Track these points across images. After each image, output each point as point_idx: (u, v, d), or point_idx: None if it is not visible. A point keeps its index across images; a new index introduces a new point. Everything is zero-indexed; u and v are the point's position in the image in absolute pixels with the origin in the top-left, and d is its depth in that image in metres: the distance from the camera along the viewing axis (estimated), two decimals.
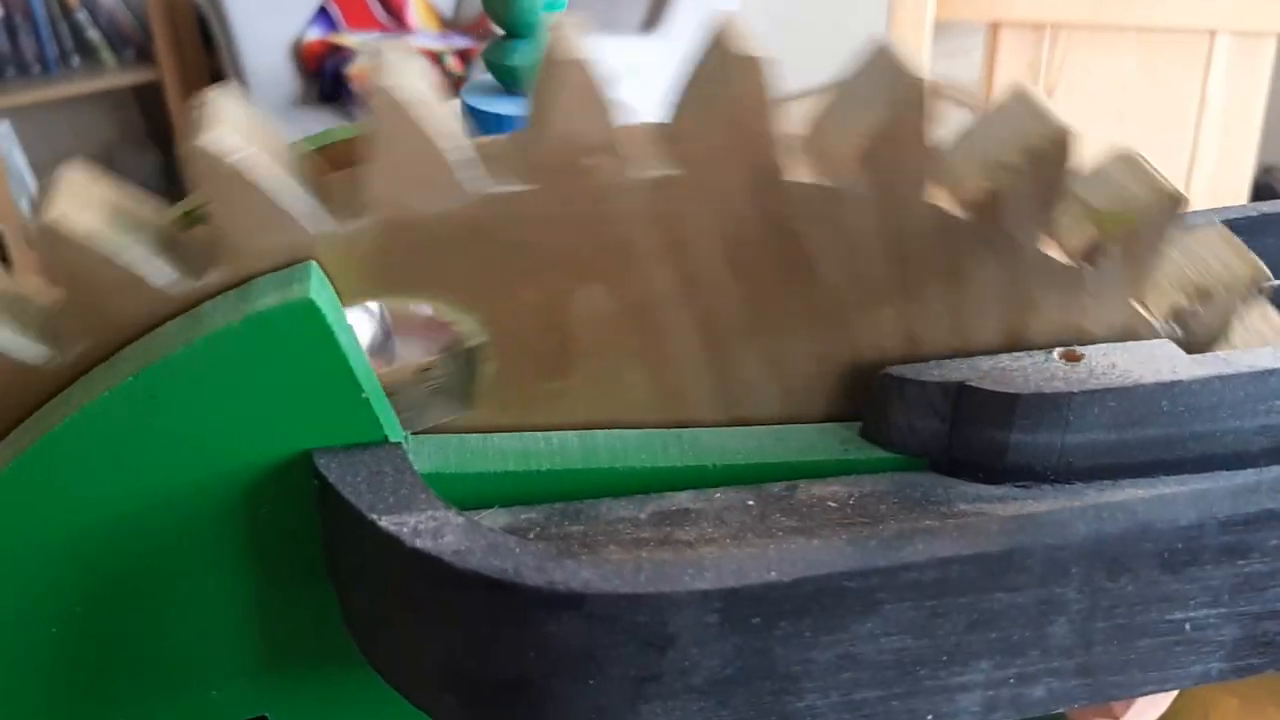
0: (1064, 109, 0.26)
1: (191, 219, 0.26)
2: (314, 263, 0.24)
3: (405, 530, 0.22)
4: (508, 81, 0.43)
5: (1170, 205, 0.27)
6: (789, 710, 0.23)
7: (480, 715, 0.24)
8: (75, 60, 2.05)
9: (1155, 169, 0.28)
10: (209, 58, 2.03)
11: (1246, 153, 1.17)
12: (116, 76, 2.05)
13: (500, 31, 0.42)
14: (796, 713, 0.24)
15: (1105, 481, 0.27)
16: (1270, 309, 0.30)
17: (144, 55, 2.06)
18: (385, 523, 0.23)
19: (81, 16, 2.03)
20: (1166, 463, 0.27)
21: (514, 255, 0.25)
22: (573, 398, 0.27)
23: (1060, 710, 0.25)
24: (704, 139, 0.25)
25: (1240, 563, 0.24)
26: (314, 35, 1.89)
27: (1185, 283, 0.29)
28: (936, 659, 0.24)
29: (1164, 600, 0.24)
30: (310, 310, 0.23)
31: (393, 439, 0.25)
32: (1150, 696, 0.28)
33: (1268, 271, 0.28)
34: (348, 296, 0.25)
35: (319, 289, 0.23)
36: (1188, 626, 0.25)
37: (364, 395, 0.24)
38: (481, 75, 0.44)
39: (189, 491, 0.25)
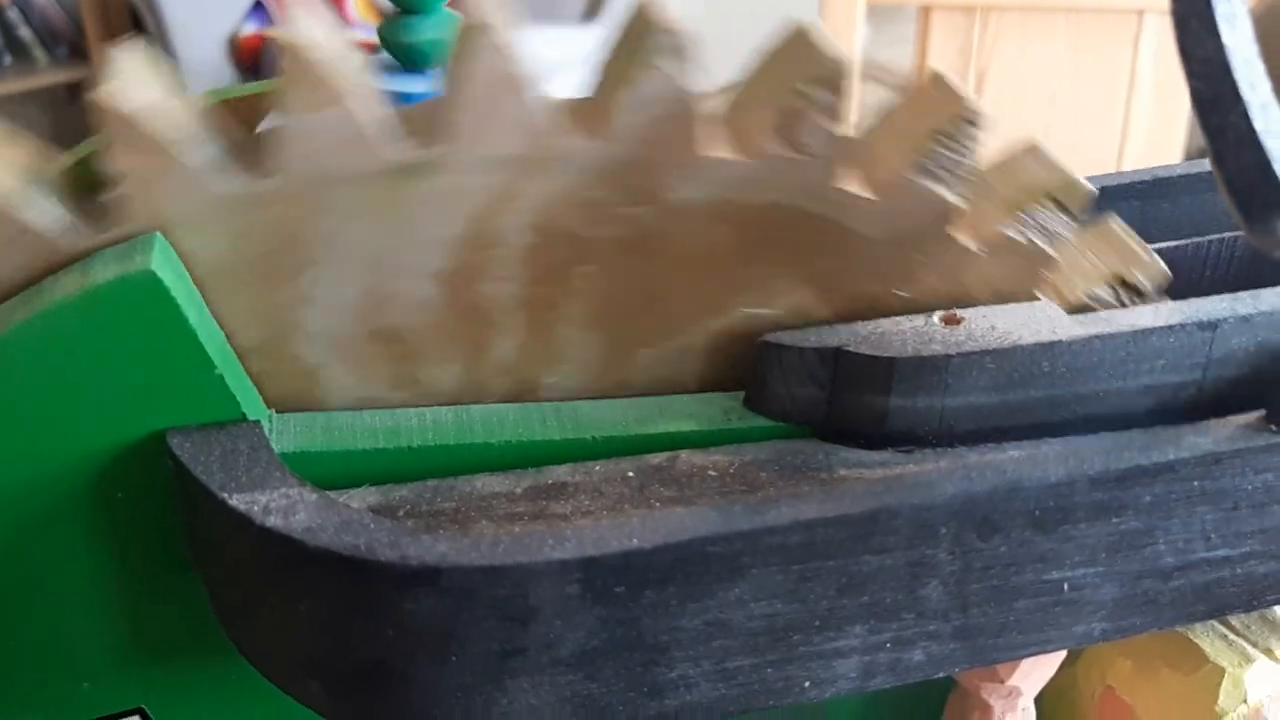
0: (995, 92, 0.26)
1: (86, 168, 0.25)
2: (159, 234, 0.23)
3: (256, 509, 0.22)
4: (405, 59, 0.42)
5: (1076, 194, 0.27)
6: (661, 681, 0.23)
7: (345, 700, 0.23)
8: (6, 59, 2.00)
9: (1058, 157, 0.28)
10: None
11: (1177, 132, 1.18)
12: (50, 74, 2.01)
13: (395, 8, 0.41)
14: (669, 683, 0.23)
15: (989, 445, 0.27)
16: (1116, 231, 0.29)
17: (77, 53, 2.02)
18: (236, 501, 0.22)
19: (13, 15, 1.98)
20: (1050, 425, 0.27)
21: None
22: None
23: (941, 674, 0.25)
24: (623, 113, 0.24)
25: (1115, 520, 0.24)
26: (250, 30, 1.86)
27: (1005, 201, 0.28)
28: (809, 624, 0.23)
29: (1039, 560, 0.24)
30: (152, 283, 0.22)
31: (252, 417, 0.24)
32: (1035, 658, 0.28)
33: (1090, 186, 0.28)
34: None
35: (163, 261, 0.22)
36: (1065, 587, 0.25)
37: (217, 372, 0.23)
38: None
39: (40, 476, 0.24)
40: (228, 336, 0.24)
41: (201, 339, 0.23)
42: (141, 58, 0.23)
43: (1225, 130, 0.18)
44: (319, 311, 0.25)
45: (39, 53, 1.99)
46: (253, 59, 1.83)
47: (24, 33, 1.98)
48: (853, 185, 0.26)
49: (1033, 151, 0.28)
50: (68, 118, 2.16)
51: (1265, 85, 0.18)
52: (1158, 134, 1.18)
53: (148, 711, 0.27)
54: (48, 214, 0.23)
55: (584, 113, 0.24)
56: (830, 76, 0.24)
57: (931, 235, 0.27)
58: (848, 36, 1.07)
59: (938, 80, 0.26)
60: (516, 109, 0.23)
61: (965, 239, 0.27)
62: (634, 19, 0.24)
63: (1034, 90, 1.11)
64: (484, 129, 0.24)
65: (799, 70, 0.24)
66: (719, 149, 0.25)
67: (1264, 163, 0.18)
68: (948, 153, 0.26)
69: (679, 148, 0.25)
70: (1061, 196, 0.27)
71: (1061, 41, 1.14)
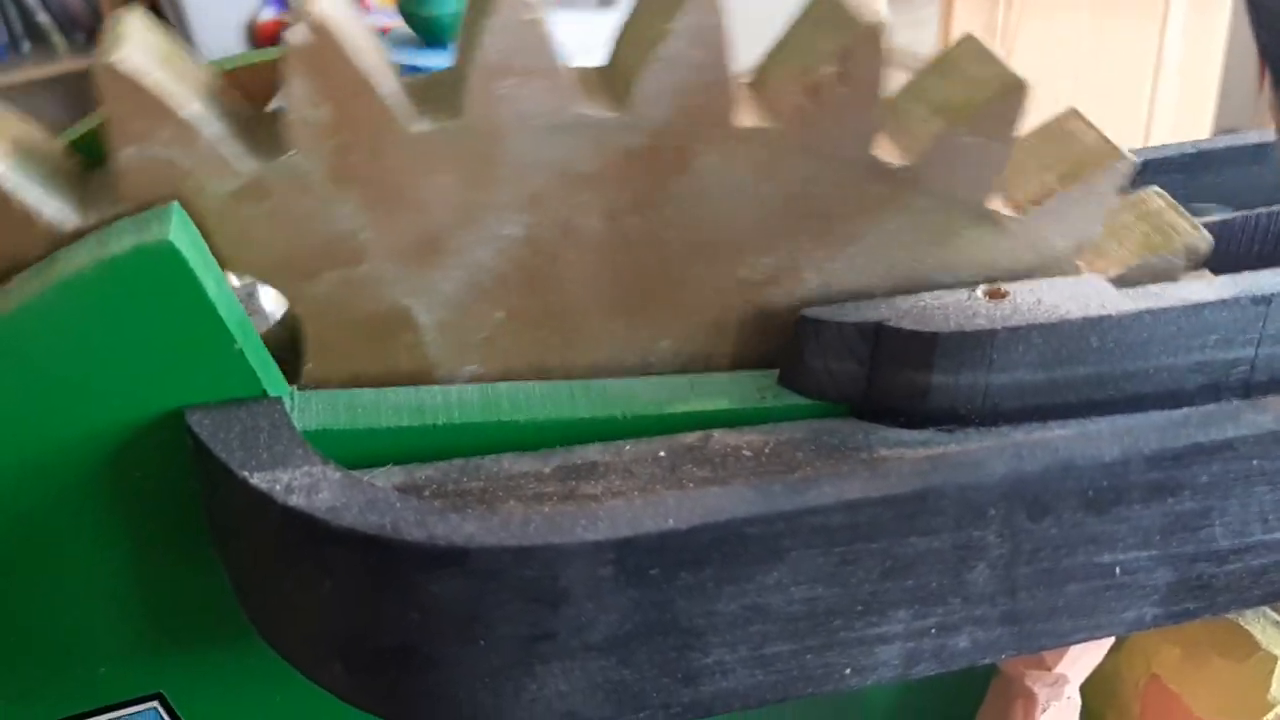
0: (1020, 71, 0.25)
1: (87, 143, 0.24)
2: (177, 203, 0.22)
3: (278, 487, 0.21)
4: (425, 33, 0.41)
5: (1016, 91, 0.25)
6: (696, 667, 0.22)
7: (368, 683, 0.22)
8: (25, 46, 2.00)
9: (997, 55, 0.26)
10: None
11: (1204, 112, 1.16)
12: (68, 61, 2.00)
13: None
14: (704, 669, 0.22)
15: (1034, 424, 0.26)
16: (1156, 200, 0.28)
17: (95, 39, 2.02)
18: (257, 480, 0.21)
19: (31, 1, 1.98)
20: (1098, 403, 0.26)
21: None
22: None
23: (987, 661, 0.24)
24: (648, 78, 0.23)
25: (1170, 501, 0.23)
26: (268, 15, 1.85)
27: (1048, 165, 0.27)
28: (851, 609, 0.22)
29: (1091, 542, 0.23)
30: (170, 254, 0.21)
31: (273, 393, 0.23)
32: (1083, 645, 0.27)
33: (1128, 154, 0.27)
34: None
35: (180, 231, 0.22)
36: (1118, 570, 0.24)
37: (237, 347, 0.23)
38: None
39: (55, 456, 0.23)
40: None
41: (221, 312, 0.22)
42: (147, 22, 0.22)
43: None
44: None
45: (58, 39, 1.99)
46: (271, 44, 1.82)
47: (42, 19, 1.98)
48: (889, 152, 0.25)
49: (1075, 119, 0.27)
50: (87, 104, 2.16)
51: None
52: (1185, 113, 1.16)
53: (166, 696, 0.27)
54: (48, 195, 0.22)
55: (608, 80, 0.23)
56: (863, 38, 0.23)
57: (970, 203, 0.26)
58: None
59: (971, 43, 0.25)
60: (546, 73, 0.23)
61: (1005, 209, 0.26)
62: None
63: (1059, 70, 1.09)
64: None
65: (831, 34, 0.23)
66: (751, 117, 0.24)
67: None
68: (986, 119, 0.25)
69: (710, 116, 0.24)
70: (1102, 166, 0.26)
71: (1087, 20, 1.12)
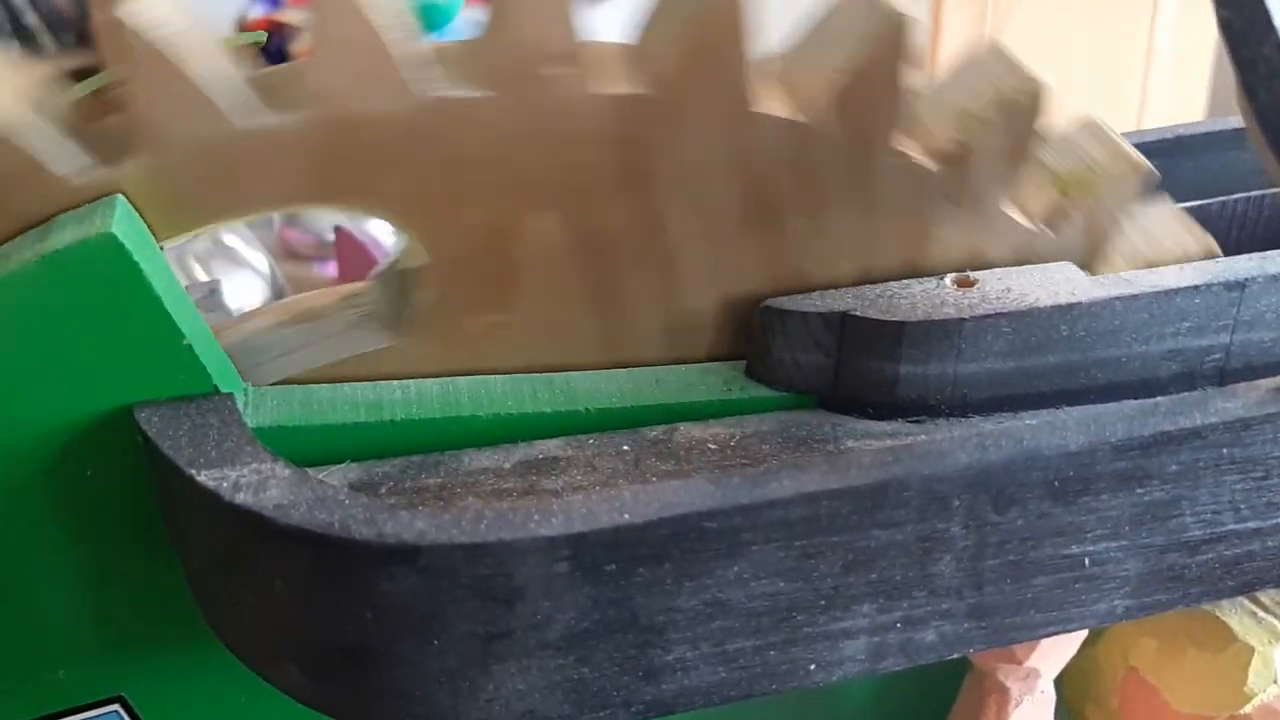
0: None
1: (100, 99, 0.24)
2: (120, 196, 0.22)
3: (225, 485, 0.20)
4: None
5: (1135, 175, 0.26)
6: (657, 664, 0.22)
7: (323, 684, 0.22)
8: (13, 47, 2.00)
9: (1119, 136, 0.27)
10: None
11: (1196, 102, 1.16)
12: (56, 62, 2.00)
13: None
14: (665, 666, 0.22)
15: (1005, 414, 0.25)
16: (1169, 213, 0.28)
17: (84, 39, 2.01)
18: (204, 478, 0.21)
19: (19, 2, 1.98)
20: (1071, 392, 0.26)
21: (462, 170, 0.23)
22: (511, 335, 0.26)
23: (956, 655, 0.24)
24: (673, 59, 0.23)
25: (1139, 491, 0.23)
26: (257, 13, 1.84)
27: (1060, 179, 0.27)
28: (814, 604, 0.22)
29: (1058, 534, 0.23)
30: (113, 247, 0.21)
31: (224, 389, 0.23)
32: (1055, 638, 0.27)
33: (1151, 167, 0.27)
34: (278, 201, 0.23)
35: (125, 223, 0.21)
36: (1086, 562, 0.23)
37: (185, 342, 0.22)
38: None
39: (5, 454, 0.22)
40: None
41: (168, 306, 0.22)
42: None
43: (1256, 62, 0.17)
44: None
45: (46, 40, 1.99)
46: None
47: (30, 19, 1.98)
48: (909, 146, 0.25)
49: (1093, 128, 0.27)
50: None
51: None
52: (1177, 105, 1.15)
53: (128, 699, 0.26)
54: (59, 145, 0.22)
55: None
56: (890, 34, 0.23)
57: (985, 198, 0.25)
58: None
59: (995, 49, 0.25)
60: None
61: (1012, 210, 0.26)
62: None
63: (1049, 63, 1.09)
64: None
65: (858, 29, 0.23)
66: (773, 105, 0.24)
67: None
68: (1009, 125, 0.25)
69: (725, 99, 0.23)
70: (1115, 168, 0.27)
71: (1077, 11, 1.12)
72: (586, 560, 0.20)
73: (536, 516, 0.20)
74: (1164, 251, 0.28)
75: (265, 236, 0.63)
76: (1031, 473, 0.22)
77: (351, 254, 0.51)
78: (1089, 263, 0.27)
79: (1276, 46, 0.17)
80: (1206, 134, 0.35)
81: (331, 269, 0.66)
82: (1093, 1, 1.10)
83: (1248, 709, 0.28)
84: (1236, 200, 0.32)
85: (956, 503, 0.22)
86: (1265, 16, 0.17)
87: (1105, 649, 0.30)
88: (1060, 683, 0.29)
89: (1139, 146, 0.35)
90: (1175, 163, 0.35)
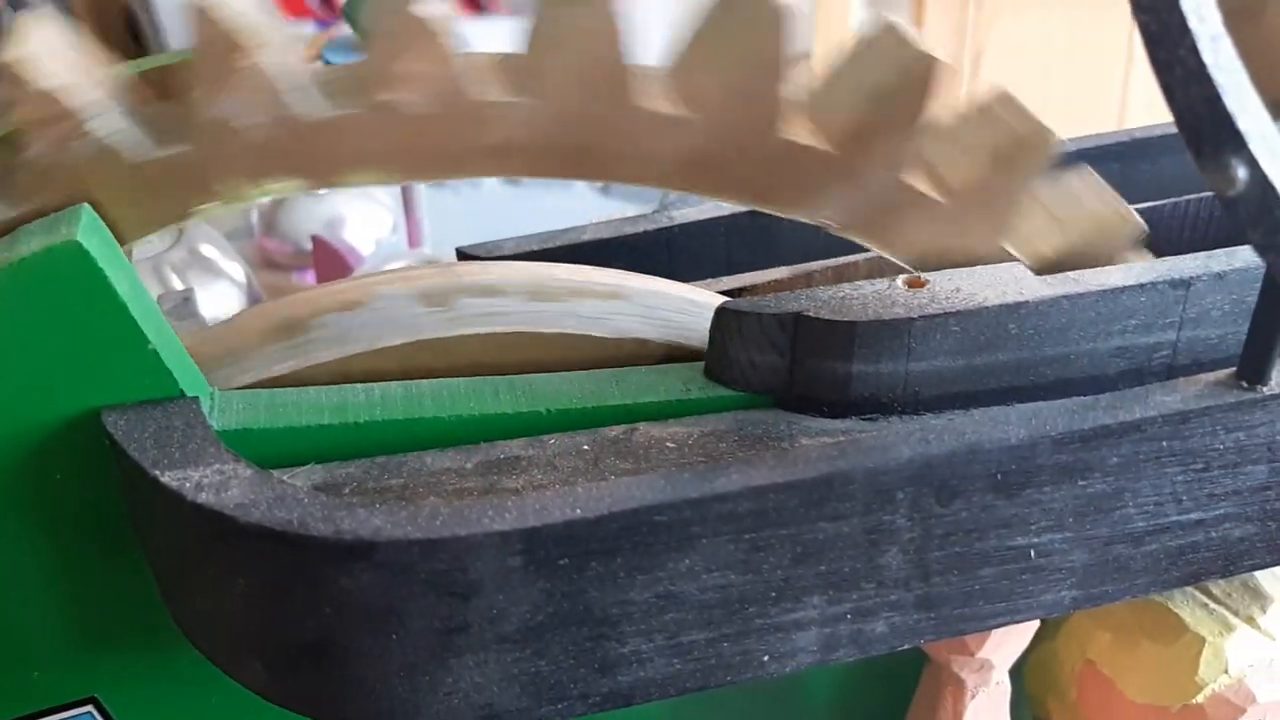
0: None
1: (150, 81, 0.25)
2: (87, 205, 0.22)
3: (188, 485, 0.21)
4: None
5: (1047, 144, 0.26)
6: (612, 656, 0.22)
7: (287, 681, 0.22)
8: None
9: (1025, 106, 0.27)
10: (137, 52, 1.99)
11: None
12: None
13: None
14: (621, 659, 0.22)
15: (956, 411, 0.26)
16: (1083, 181, 0.28)
17: (71, 10, 2.02)
18: (168, 478, 0.21)
19: (6, 16, 1.98)
20: (1020, 389, 0.26)
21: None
22: None
23: (907, 646, 0.24)
24: (551, 61, 0.24)
25: (1081, 483, 0.23)
26: None
27: (1055, 234, 0.28)
28: (765, 596, 0.22)
29: (1003, 526, 0.23)
30: (79, 254, 0.21)
31: (190, 393, 0.23)
32: (1006, 629, 0.27)
33: (1142, 223, 0.27)
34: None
35: (90, 231, 0.22)
36: (1032, 553, 0.24)
37: (151, 347, 0.23)
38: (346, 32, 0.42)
39: None
40: None
41: (134, 312, 0.22)
42: (54, 25, 0.23)
43: (1174, 64, 0.18)
44: None
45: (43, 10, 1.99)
46: None
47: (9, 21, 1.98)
48: (805, 136, 0.25)
49: (1003, 101, 0.27)
50: None
51: (1215, 17, 0.17)
52: (1158, 108, 1.15)
53: (100, 700, 0.27)
54: (130, 130, 0.23)
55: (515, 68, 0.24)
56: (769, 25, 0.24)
57: (893, 190, 0.26)
58: (842, 17, 1.06)
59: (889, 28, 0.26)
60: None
61: (931, 191, 0.26)
62: None
63: (1030, 67, 1.10)
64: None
65: (745, 25, 0.24)
66: (664, 104, 0.24)
67: (1213, 97, 0.17)
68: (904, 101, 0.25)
69: (620, 102, 0.24)
70: (1032, 148, 0.26)
71: (1058, 17, 1.13)
72: (540, 555, 0.21)
73: (490, 512, 0.21)
74: (1077, 217, 0.28)
75: (244, 246, 0.64)
76: (973, 466, 0.22)
77: (329, 262, 0.52)
78: (1000, 232, 0.27)
79: (1192, 49, 0.17)
80: (1162, 137, 0.36)
81: (310, 278, 0.67)
82: (1072, 9, 1.11)
83: (1200, 699, 0.28)
84: (1189, 201, 0.33)
85: (901, 495, 0.22)
86: (1181, 20, 0.17)
87: (1064, 642, 0.31)
88: (1020, 676, 0.30)
89: (1095, 150, 0.36)
90: (1133, 166, 0.36)
